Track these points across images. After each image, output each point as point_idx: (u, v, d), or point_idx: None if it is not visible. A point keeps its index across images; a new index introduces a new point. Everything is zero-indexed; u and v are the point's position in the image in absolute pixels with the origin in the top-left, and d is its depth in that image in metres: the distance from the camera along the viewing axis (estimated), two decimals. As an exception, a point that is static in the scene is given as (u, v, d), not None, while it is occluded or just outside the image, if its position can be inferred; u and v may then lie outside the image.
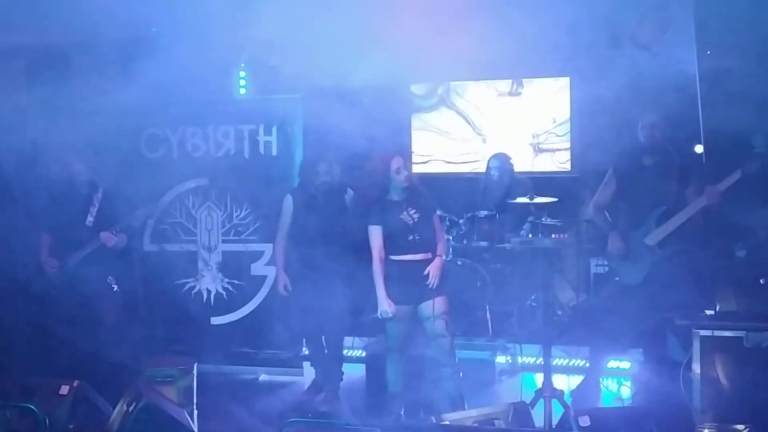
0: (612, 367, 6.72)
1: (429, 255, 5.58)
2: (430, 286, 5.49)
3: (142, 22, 6.67)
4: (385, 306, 5.49)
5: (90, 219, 6.43)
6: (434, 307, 5.49)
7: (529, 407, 5.06)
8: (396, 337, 5.62)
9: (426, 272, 5.50)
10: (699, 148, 6.43)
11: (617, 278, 5.90)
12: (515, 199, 6.16)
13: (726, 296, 5.28)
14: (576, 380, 6.50)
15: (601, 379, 6.33)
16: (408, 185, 5.60)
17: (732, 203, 5.61)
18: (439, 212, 6.27)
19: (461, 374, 5.65)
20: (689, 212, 5.60)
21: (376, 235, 5.56)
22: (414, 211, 5.56)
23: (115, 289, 6.42)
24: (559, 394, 5.53)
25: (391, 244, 5.56)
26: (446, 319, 5.52)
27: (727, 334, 5.06)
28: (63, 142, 6.54)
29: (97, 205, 6.47)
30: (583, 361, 6.84)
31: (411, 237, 5.53)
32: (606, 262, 6.64)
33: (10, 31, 6.91)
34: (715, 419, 4.91)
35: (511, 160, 8.21)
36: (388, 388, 5.73)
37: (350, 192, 6.38)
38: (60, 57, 7.30)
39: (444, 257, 5.72)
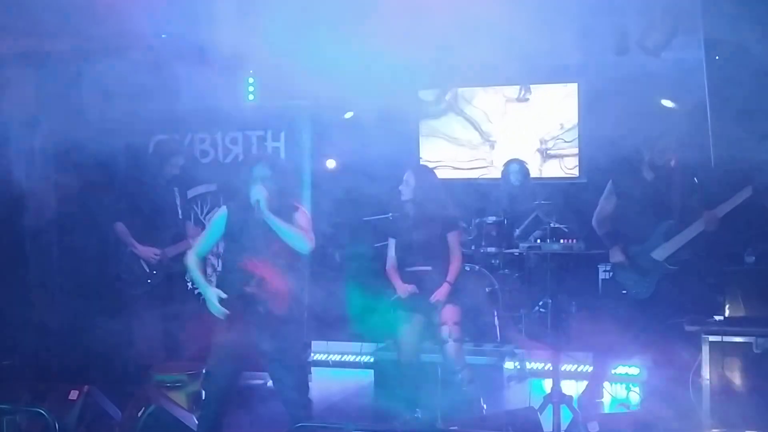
0: (621, 373, 6.70)
1: (437, 265, 5.73)
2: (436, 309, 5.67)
3: (151, 29, 6.69)
4: (402, 290, 5.74)
5: (181, 211, 6.40)
6: (442, 314, 5.67)
7: (538, 413, 5.06)
8: (407, 344, 5.74)
9: (433, 298, 5.67)
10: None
11: (625, 291, 5.87)
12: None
13: (735, 302, 5.26)
14: (584, 386, 6.48)
15: (606, 384, 6.32)
16: (413, 202, 5.75)
17: (739, 213, 5.60)
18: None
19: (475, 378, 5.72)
20: (694, 231, 5.61)
21: (390, 246, 5.93)
22: (422, 231, 5.70)
23: (196, 292, 6.34)
24: (567, 400, 5.53)
25: (402, 257, 5.83)
26: (452, 326, 5.66)
27: (736, 339, 5.06)
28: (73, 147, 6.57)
29: (178, 196, 6.44)
30: (591, 367, 6.82)
31: (418, 255, 5.74)
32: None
33: (19, 38, 6.96)
34: (724, 425, 4.90)
35: (527, 166, 8.23)
36: (400, 395, 5.80)
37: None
38: (69, 63, 7.33)
39: (452, 282, 5.75)
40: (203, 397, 4.79)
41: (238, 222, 4.78)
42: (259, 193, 4.66)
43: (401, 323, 5.78)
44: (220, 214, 4.90)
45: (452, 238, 5.80)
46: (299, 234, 4.74)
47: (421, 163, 8.69)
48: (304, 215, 4.86)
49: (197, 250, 4.95)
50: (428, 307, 5.68)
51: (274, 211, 4.68)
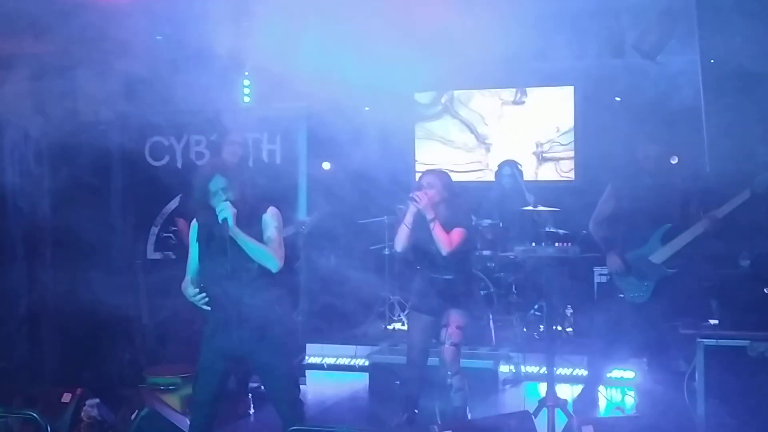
0: (616, 377, 6.70)
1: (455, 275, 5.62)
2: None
3: (146, 31, 6.68)
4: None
5: None
6: (448, 317, 5.57)
7: (533, 416, 5.05)
8: (415, 345, 5.71)
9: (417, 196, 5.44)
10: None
11: (622, 295, 5.87)
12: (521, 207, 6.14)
13: (730, 305, 5.26)
14: (579, 390, 6.48)
15: (601, 388, 6.32)
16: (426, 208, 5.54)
17: (737, 216, 5.60)
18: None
19: (467, 385, 5.66)
20: (692, 234, 5.61)
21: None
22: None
23: None
24: (562, 404, 5.51)
25: (422, 260, 5.65)
26: (453, 329, 5.56)
27: (730, 343, 5.05)
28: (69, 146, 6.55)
29: None
30: (586, 371, 6.81)
31: (440, 261, 5.55)
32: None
33: (15, 40, 6.95)
34: (718, 429, 4.90)
35: (520, 167, 8.21)
36: (401, 394, 5.81)
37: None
38: (64, 65, 7.32)
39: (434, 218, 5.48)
40: (194, 400, 4.74)
41: (207, 234, 4.57)
42: (225, 211, 4.43)
43: (412, 323, 5.77)
44: (192, 227, 4.66)
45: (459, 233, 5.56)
46: (268, 252, 4.51)
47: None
48: (275, 217, 4.62)
49: (189, 274, 4.64)
50: (440, 310, 5.62)
51: (242, 219, 4.49)
